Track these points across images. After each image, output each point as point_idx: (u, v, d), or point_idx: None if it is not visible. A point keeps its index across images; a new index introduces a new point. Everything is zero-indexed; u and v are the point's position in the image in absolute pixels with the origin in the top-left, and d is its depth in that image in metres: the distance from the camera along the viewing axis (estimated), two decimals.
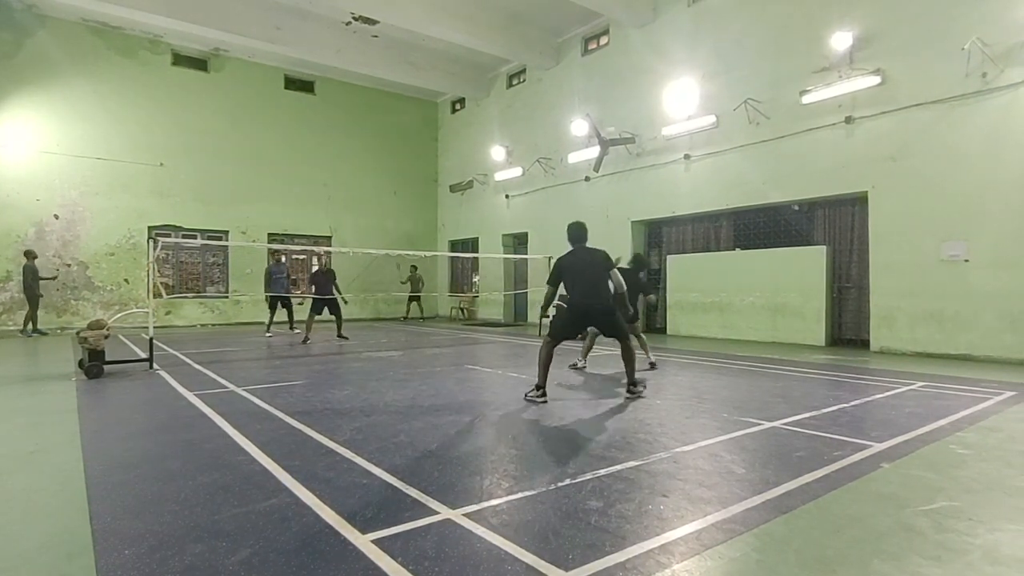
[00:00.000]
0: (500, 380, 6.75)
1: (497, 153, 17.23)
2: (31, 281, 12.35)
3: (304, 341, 10.79)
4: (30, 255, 12.55)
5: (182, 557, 2.28)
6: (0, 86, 13.34)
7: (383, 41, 15.77)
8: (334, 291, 11.19)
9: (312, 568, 2.19)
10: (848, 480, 3.19)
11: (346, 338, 11.34)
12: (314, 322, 11.13)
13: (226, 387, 6.14)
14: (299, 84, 17.71)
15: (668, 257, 13.02)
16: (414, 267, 17.95)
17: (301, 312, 13.12)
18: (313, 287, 11.12)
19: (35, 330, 12.50)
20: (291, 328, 13.08)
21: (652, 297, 8.00)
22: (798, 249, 10.76)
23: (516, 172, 16.62)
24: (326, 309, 11.18)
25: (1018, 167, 8.03)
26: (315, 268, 12.27)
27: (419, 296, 17.94)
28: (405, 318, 18.28)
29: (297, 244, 17.03)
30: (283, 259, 12.97)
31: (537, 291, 14.72)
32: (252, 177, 16.66)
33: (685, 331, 12.39)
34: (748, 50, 11.28)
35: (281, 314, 12.94)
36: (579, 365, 7.46)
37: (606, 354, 8.70)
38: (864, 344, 9.87)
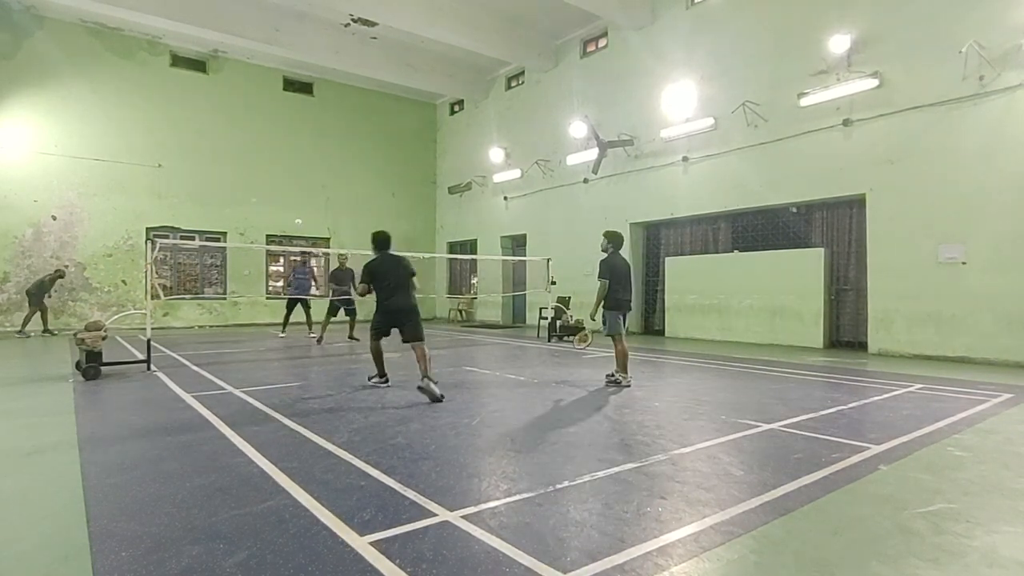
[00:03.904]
0: (498, 382, 6.75)
1: (495, 155, 17.22)
2: (36, 290, 12.50)
3: (319, 342, 10.84)
4: (59, 273, 12.91)
5: (179, 559, 2.28)
6: None
7: (382, 43, 15.77)
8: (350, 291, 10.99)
9: (310, 570, 2.19)
10: (846, 482, 3.19)
11: (357, 339, 11.22)
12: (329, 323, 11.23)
13: (224, 389, 6.13)
14: (298, 85, 17.70)
15: (666, 259, 13.03)
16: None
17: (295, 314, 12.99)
18: (334, 285, 11.21)
19: (45, 330, 12.63)
20: (309, 331, 12.58)
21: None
22: (796, 251, 10.77)
23: (515, 174, 16.62)
24: (341, 310, 11.27)
25: (1015, 169, 8.05)
26: (336, 266, 11.68)
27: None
28: None
29: (296, 245, 17.00)
30: (309, 260, 12.98)
31: (535, 293, 14.71)
32: (250, 178, 16.62)
33: (683, 333, 12.39)
34: (746, 53, 11.29)
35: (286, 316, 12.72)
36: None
37: (603, 356, 8.70)
38: (862, 346, 9.88)
